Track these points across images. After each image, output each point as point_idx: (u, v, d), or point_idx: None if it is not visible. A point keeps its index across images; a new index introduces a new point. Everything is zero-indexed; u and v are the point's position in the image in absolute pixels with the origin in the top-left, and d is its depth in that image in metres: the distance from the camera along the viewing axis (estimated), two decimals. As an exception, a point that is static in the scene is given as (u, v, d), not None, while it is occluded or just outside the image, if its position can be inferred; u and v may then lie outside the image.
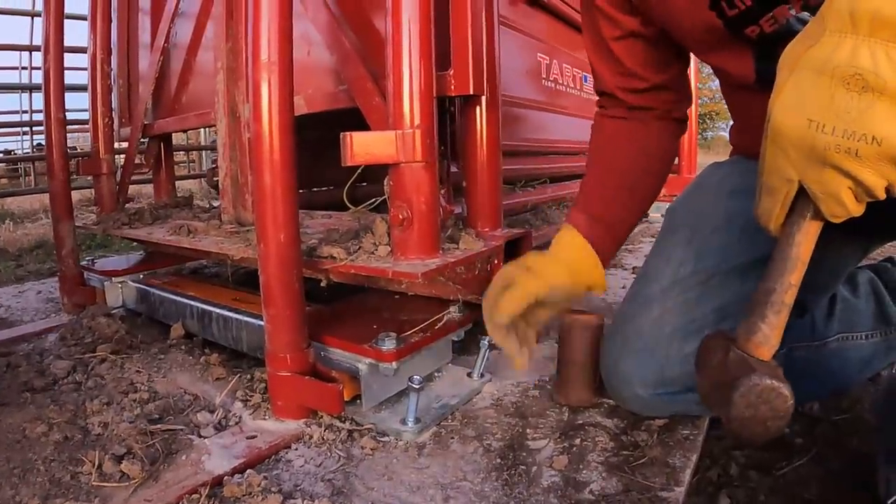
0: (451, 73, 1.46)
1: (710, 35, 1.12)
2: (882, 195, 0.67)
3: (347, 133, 1.23)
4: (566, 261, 1.28)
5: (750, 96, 1.13)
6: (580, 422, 1.28)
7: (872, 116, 0.62)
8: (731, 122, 1.39)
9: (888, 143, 0.62)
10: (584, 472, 1.10)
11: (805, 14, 0.99)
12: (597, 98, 1.46)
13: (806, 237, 0.75)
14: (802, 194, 0.72)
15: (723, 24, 1.07)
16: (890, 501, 0.99)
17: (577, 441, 1.21)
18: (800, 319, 1.32)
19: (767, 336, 0.81)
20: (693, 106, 4.48)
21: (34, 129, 6.01)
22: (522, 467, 1.12)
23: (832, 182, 0.67)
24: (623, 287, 2.40)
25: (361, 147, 1.24)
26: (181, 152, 7.39)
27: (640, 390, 1.22)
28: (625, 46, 1.30)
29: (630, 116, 1.37)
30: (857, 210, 0.69)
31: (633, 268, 2.72)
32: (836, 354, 1.34)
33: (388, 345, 1.28)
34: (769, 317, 0.80)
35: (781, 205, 0.75)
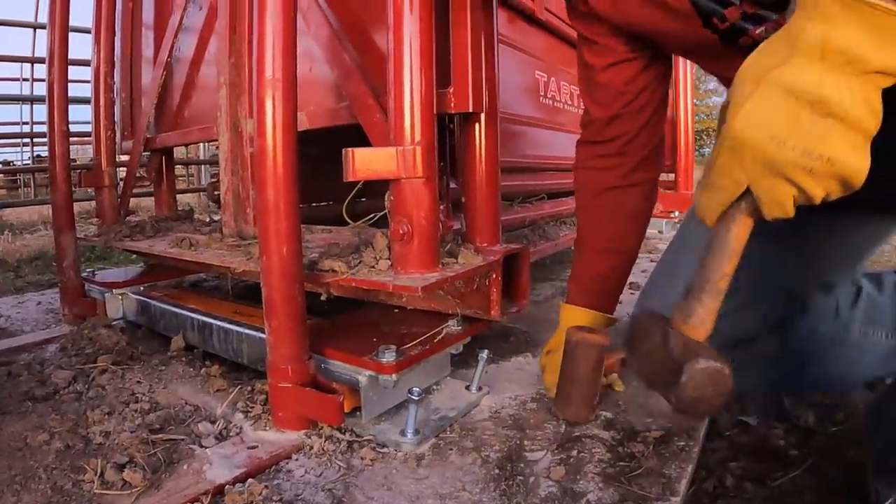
0: (451, 90, 1.48)
1: (710, 49, 1.16)
2: (818, 202, 0.74)
3: (350, 149, 1.25)
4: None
5: None
6: (577, 434, 1.30)
7: (831, 140, 0.68)
8: None
9: (841, 164, 0.69)
10: (581, 482, 1.11)
11: None
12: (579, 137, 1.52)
13: (742, 231, 0.81)
14: (745, 194, 0.78)
15: (718, 38, 1.11)
16: None
17: (574, 452, 1.22)
18: (825, 300, 1.36)
19: (703, 319, 0.85)
20: (690, 122, 4.52)
21: (34, 140, 6.02)
22: (520, 478, 1.13)
23: (782, 192, 0.73)
24: (620, 302, 2.41)
25: (363, 163, 1.26)
26: (180, 166, 7.40)
27: None
28: (608, 74, 1.37)
29: (608, 171, 1.46)
30: (791, 213, 0.76)
31: (630, 283, 2.72)
32: (858, 346, 1.37)
33: (388, 357, 1.29)
34: (706, 301, 0.85)
35: (724, 203, 0.80)
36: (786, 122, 0.70)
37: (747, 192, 0.78)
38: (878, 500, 1.04)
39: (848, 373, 1.41)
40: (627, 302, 2.40)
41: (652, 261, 3.49)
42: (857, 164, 0.69)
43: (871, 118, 0.68)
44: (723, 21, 1.08)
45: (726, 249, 0.83)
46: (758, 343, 1.32)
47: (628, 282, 2.72)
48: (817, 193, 0.72)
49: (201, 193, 6.39)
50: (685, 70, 4.28)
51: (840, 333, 1.37)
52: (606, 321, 1.47)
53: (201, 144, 6.49)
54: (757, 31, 1.05)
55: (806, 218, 0.81)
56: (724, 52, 1.13)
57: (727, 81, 1.24)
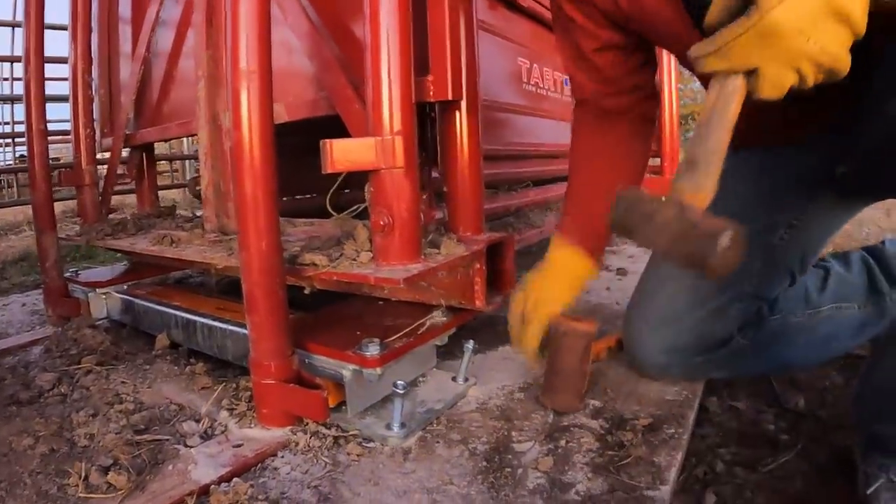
0: (430, 78, 1.46)
1: (689, 40, 1.15)
2: (808, 87, 0.85)
3: (327, 140, 1.23)
4: (566, 278, 1.43)
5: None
6: (565, 423, 1.29)
7: (841, 41, 0.80)
8: None
9: (842, 62, 0.81)
10: (570, 473, 1.11)
11: None
12: (574, 103, 1.51)
13: (738, 106, 0.88)
14: (745, 74, 0.87)
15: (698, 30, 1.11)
16: (870, 491, 1.02)
17: (563, 442, 1.21)
18: (794, 290, 1.45)
19: (710, 188, 0.92)
20: (674, 106, 4.52)
21: (16, 140, 5.96)
22: (508, 470, 1.13)
23: (788, 78, 0.84)
24: (607, 288, 2.41)
25: (341, 154, 1.24)
26: (164, 162, 7.35)
27: (657, 357, 1.44)
28: (603, 57, 1.37)
29: (607, 121, 1.45)
30: (783, 95, 0.86)
31: (618, 269, 2.73)
32: (830, 321, 1.45)
33: (372, 351, 1.28)
34: (712, 171, 0.91)
35: (729, 72, 0.88)
36: (814, 21, 0.79)
37: (748, 73, 0.86)
38: (867, 482, 1.04)
39: (824, 349, 1.49)
40: (615, 288, 2.41)
41: (639, 246, 3.49)
42: (848, 61, 0.82)
43: (863, 27, 0.80)
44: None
45: (726, 121, 0.89)
46: (733, 341, 1.41)
47: (616, 267, 2.75)
48: (811, 81, 0.84)
49: (186, 189, 6.35)
50: (669, 55, 4.27)
51: (812, 315, 1.44)
52: (592, 266, 1.45)
53: (185, 139, 6.44)
54: None
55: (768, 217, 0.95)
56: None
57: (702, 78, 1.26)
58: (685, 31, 1.13)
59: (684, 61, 1.29)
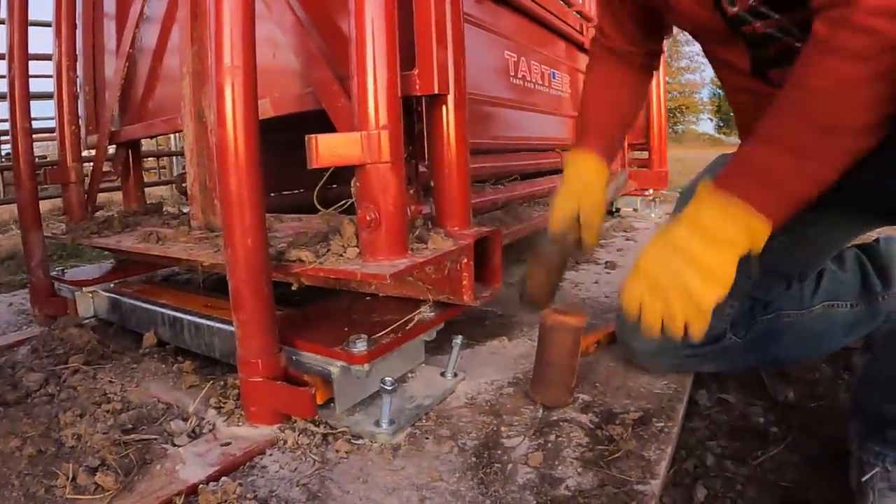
0: (416, 72, 1.45)
1: (714, 30, 1.21)
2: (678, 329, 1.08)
3: (312, 136, 1.22)
4: (601, 185, 1.47)
5: (748, 97, 1.30)
6: (554, 418, 1.29)
7: (689, 279, 1.04)
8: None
9: (696, 296, 1.04)
10: (560, 468, 1.11)
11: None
12: (595, 43, 1.61)
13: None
14: None
15: (724, 22, 1.17)
16: (864, 479, 1.02)
17: (552, 437, 1.21)
18: (787, 291, 1.46)
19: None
20: (662, 100, 4.53)
21: (1, 138, 5.92)
22: (498, 465, 1.12)
23: (655, 308, 1.09)
24: (596, 282, 2.42)
25: (327, 149, 1.23)
26: (151, 158, 7.32)
27: (648, 345, 1.43)
28: (632, 13, 1.46)
29: (620, 59, 1.54)
30: (657, 332, 1.11)
31: (606, 262, 2.74)
32: (822, 318, 1.48)
33: (360, 347, 1.27)
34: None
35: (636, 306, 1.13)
36: (665, 264, 1.07)
37: None
38: (862, 470, 1.04)
39: (816, 346, 1.52)
40: (604, 282, 2.41)
41: (627, 239, 3.51)
42: (708, 297, 1.03)
43: (721, 269, 1.03)
44: (732, 5, 1.12)
45: None
46: (725, 338, 1.44)
47: (604, 261, 2.76)
48: (677, 315, 1.06)
49: (173, 185, 6.33)
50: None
51: (805, 313, 1.47)
52: (607, 170, 1.51)
53: (172, 135, 6.41)
54: (757, 25, 1.11)
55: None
56: (727, 37, 1.18)
57: (723, 66, 1.31)
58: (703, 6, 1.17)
59: (706, 42, 1.34)
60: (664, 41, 1.58)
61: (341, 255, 1.34)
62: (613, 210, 4.57)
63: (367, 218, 1.29)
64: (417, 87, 1.45)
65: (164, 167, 7.77)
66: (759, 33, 1.12)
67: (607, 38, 1.53)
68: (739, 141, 1.53)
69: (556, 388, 1.35)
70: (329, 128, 1.27)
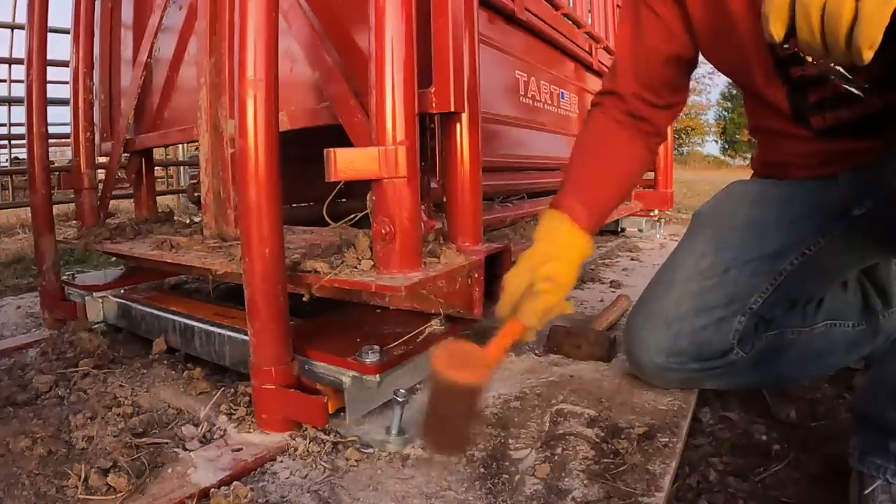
0: (433, 90, 1.48)
1: (760, 65, 1.26)
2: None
3: (331, 149, 1.25)
4: (570, 258, 1.23)
5: (783, 139, 1.38)
6: (561, 432, 1.30)
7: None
8: (756, 152, 1.59)
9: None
10: (566, 479, 1.12)
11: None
12: (598, 93, 1.51)
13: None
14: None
15: (773, 59, 1.22)
16: (866, 492, 1.03)
17: (559, 450, 1.23)
18: (790, 312, 1.48)
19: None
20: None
21: (12, 142, 5.93)
22: (505, 476, 1.14)
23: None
24: (601, 301, 2.43)
25: (345, 163, 1.26)
26: (159, 167, 7.33)
27: (655, 357, 1.45)
28: (663, 63, 1.40)
29: (627, 123, 1.44)
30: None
31: (611, 281, 2.75)
32: (825, 336, 1.50)
33: (372, 358, 1.29)
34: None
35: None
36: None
37: None
38: (863, 483, 1.05)
39: (817, 365, 1.54)
40: (609, 301, 2.43)
41: (632, 259, 3.52)
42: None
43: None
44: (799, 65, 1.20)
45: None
46: (731, 353, 1.44)
47: (609, 280, 2.77)
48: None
49: (180, 195, 6.34)
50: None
51: (807, 331, 1.48)
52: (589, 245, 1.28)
53: (180, 146, 6.43)
54: (799, 70, 1.21)
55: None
56: (769, 76, 1.26)
57: (764, 106, 1.36)
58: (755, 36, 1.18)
59: (747, 81, 1.37)
60: (681, 101, 1.49)
61: (356, 267, 1.36)
62: (619, 230, 4.59)
63: (383, 231, 1.31)
64: (434, 104, 1.48)
65: (171, 177, 7.78)
66: (802, 77, 1.17)
67: (623, 84, 1.42)
68: (753, 171, 1.61)
69: (450, 438, 1.10)
70: (334, 144, 1.29)
